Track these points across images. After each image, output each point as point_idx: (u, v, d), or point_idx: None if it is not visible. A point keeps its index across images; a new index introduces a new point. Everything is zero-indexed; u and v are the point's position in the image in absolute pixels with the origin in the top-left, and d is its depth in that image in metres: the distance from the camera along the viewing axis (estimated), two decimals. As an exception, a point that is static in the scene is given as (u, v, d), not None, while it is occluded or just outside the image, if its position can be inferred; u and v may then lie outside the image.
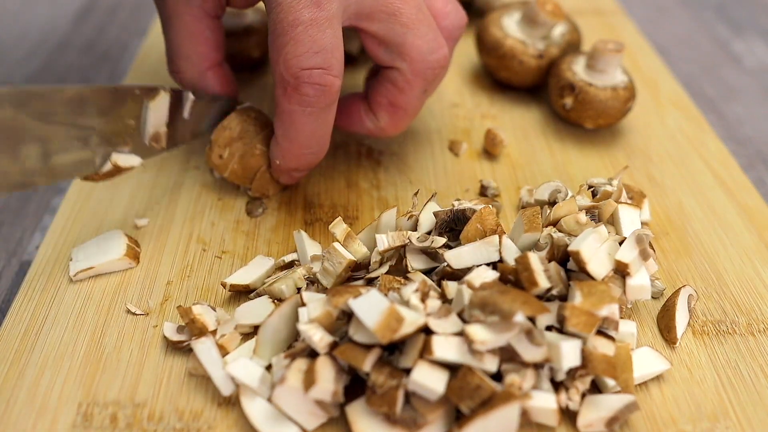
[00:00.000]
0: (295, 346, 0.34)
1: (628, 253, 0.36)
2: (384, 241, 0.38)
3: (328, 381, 0.32)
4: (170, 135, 0.42)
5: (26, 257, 0.44)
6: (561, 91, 0.52)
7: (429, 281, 0.37)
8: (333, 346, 0.33)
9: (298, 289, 0.38)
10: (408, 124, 0.45)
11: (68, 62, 0.63)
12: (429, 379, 0.31)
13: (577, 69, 0.51)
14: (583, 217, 0.38)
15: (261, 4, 0.61)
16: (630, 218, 0.39)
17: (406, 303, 0.34)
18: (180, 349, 0.37)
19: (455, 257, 0.37)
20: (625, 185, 0.44)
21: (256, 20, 0.57)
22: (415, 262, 0.38)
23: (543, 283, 0.34)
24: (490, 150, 0.51)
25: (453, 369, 0.32)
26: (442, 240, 0.38)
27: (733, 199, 0.48)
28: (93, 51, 0.65)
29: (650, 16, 0.75)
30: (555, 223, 0.39)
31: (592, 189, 0.43)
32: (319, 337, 0.33)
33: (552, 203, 0.43)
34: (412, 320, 0.32)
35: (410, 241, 0.38)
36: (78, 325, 0.38)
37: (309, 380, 0.32)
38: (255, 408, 0.33)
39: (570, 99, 0.51)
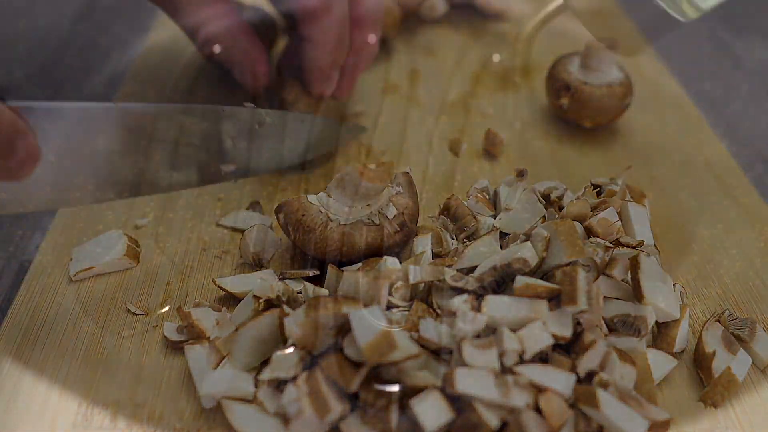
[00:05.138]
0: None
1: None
2: (417, 274, 0.35)
3: (337, 406, 0.31)
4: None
5: (26, 257, 0.44)
6: (557, 92, 0.52)
7: (475, 299, 0.34)
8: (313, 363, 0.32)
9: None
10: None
11: (68, 62, 0.63)
12: (426, 415, 0.30)
13: (572, 69, 0.51)
14: (613, 217, 0.38)
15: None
16: (638, 215, 0.39)
17: (453, 313, 0.33)
18: (180, 349, 0.36)
19: (494, 314, 0.33)
20: (626, 185, 0.44)
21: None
22: (441, 301, 0.36)
23: (582, 303, 0.33)
24: (490, 150, 0.51)
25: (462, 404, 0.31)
26: (476, 283, 0.35)
27: (733, 199, 0.48)
28: (93, 51, 0.65)
29: (650, 16, 0.75)
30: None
31: (597, 189, 0.43)
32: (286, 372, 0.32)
33: (545, 196, 0.43)
34: (404, 347, 0.31)
35: (444, 279, 0.35)
36: (78, 325, 0.38)
37: (323, 410, 0.31)
38: (239, 416, 0.32)
39: (566, 99, 0.51)
